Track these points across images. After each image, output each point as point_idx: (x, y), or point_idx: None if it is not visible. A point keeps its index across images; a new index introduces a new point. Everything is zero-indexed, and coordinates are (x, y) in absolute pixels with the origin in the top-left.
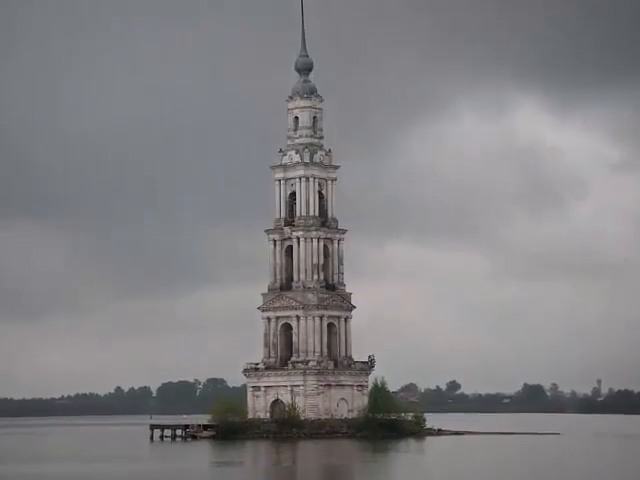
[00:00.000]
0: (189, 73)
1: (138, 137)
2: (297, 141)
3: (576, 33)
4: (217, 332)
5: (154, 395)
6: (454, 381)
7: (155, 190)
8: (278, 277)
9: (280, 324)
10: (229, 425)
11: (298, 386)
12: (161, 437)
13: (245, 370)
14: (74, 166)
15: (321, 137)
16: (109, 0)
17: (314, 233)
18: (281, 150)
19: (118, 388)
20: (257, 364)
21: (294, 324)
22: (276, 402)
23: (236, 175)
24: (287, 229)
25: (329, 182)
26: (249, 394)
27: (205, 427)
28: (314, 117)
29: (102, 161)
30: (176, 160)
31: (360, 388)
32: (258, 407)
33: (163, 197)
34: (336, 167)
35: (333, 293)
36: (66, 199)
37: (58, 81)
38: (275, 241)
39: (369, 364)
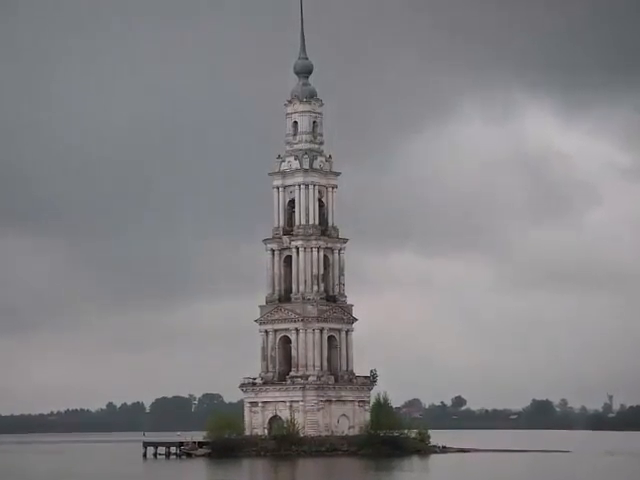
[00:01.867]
0: (189, 73)
1: (133, 142)
2: (296, 147)
3: (584, 33)
4: (213, 345)
5: (147, 411)
6: (459, 396)
7: (152, 199)
8: (276, 288)
9: (278, 337)
10: (225, 442)
11: (297, 402)
12: (155, 455)
13: (242, 385)
14: (70, 170)
15: (321, 142)
16: (109, 0)
17: (314, 242)
18: (280, 156)
19: (110, 404)
20: (254, 379)
21: (293, 337)
22: (274, 418)
23: (235, 182)
24: (286, 238)
25: (329, 189)
26: (246, 410)
27: (200, 444)
28: (314, 122)
29: (98, 168)
30: (174, 166)
31: (362, 404)
32: (255, 423)
33: (159, 206)
34: (337, 174)
35: (334, 305)
36: (60, 206)
37: (57, 81)
38: (273, 251)
39: (371, 379)
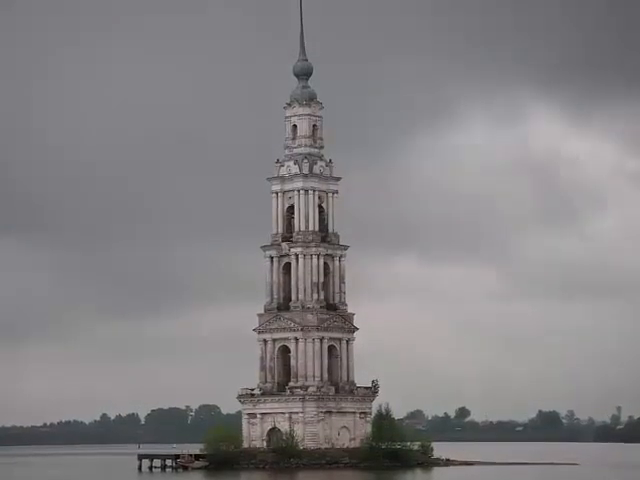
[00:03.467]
0: (187, 75)
1: (131, 146)
2: (295, 151)
3: (591, 33)
4: (211, 355)
5: (143, 423)
6: (463, 407)
7: (150, 205)
8: (275, 296)
9: (277, 347)
10: (223, 455)
11: (297, 413)
12: (150, 468)
13: (240, 396)
14: (66, 176)
15: (321, 147)
16: (103, 8)
17: (314, 249)
18: (278, 161)
19: (104, 415)
20: (253, 389)
21: (292, 347)
22: (273, 430)
23: (234, 186)
24: (285, 245)
25: (330, 195)
26: (244, 422)
27: (197, 457)
28: (314, 125)
29: (96, 172)
30: (172, 170)
31: (363, 415)
32: (254, 435)
33: (158, 212)
34: (337, 179)
35: (334, 313)
36: (58, 215)
37: (51, 89)
38: (272, 258)
39: (372, 389)
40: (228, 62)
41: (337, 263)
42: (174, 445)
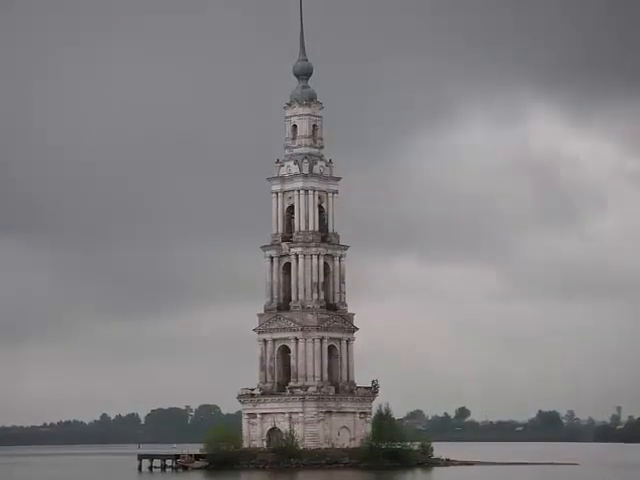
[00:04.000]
0: (187, 76)
1: (130, 146)
2: (295, 151)
3: (592, 33)
4: (211, 355)
5: (143, 423)
6: (463, 407)
7: (150, 205)
8: (275, 296)
9: (277, 347)
10: (223, 455)
11: (297, 413)
12: (150, 468)
13: (240, 396)
14: (66, 176)
15: (321, 147)
16: (104, 8)
17: (314, 249)
18: (278, 161)
19: (104, 415)
20: (253, 389)
21: (292, 347)
22: (273, 430)
23: (234, 187)
24: (285, 245)
25: (330, 195)
26: (244, 422)
27: (197, 457)
28: (314, 125)
29: (96, 172)
30: (172, 171)
31: (363, 415)
32: (254, 435)
33: (157, 213)
34: (337, 179)
35: (334, 313)
36: (58, 216)
37: (52, 89)
38: (272, 258)
39: (373, 389)
40: (228, 62)
41: (337, 263)
42: (174, 445)
